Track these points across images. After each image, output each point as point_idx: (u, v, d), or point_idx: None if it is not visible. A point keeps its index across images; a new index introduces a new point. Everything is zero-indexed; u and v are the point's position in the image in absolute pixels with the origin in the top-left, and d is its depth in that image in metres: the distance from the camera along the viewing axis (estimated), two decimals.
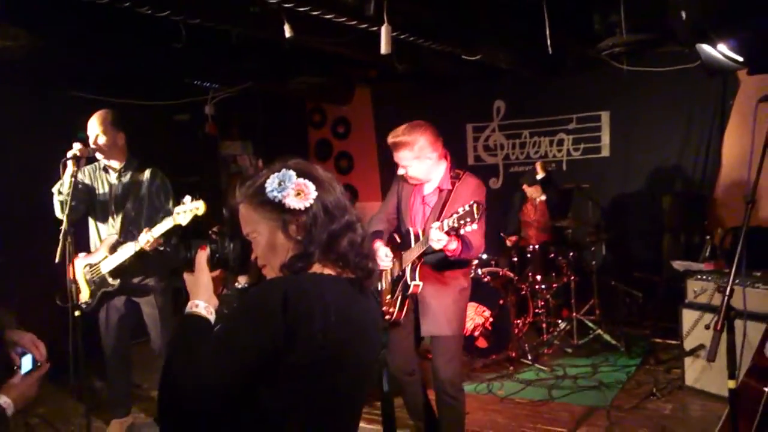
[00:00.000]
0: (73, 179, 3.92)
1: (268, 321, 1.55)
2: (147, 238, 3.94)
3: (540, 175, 6.47)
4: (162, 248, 4.13)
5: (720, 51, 3.95)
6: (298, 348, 1.56)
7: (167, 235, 4.03)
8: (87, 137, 4.22)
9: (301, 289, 1.62)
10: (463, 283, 3.64)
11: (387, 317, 3.64)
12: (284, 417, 1.60)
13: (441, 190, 3.59)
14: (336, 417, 1.71)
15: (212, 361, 1.57)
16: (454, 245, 3.23)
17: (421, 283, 3.49)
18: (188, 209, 3.87)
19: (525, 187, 6.57)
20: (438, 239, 3.18)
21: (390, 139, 3.53)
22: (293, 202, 1.69)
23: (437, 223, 3.19)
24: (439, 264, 3.54)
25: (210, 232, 1.93)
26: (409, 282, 3.49)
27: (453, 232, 3.15)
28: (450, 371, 3.63)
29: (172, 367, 1.63)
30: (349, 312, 1.68)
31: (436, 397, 3.75)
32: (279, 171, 1.73)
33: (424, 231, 3.50)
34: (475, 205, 3.05)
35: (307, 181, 1.71)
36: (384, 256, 3.54)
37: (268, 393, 1.58)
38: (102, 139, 4.19)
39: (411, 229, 3.56)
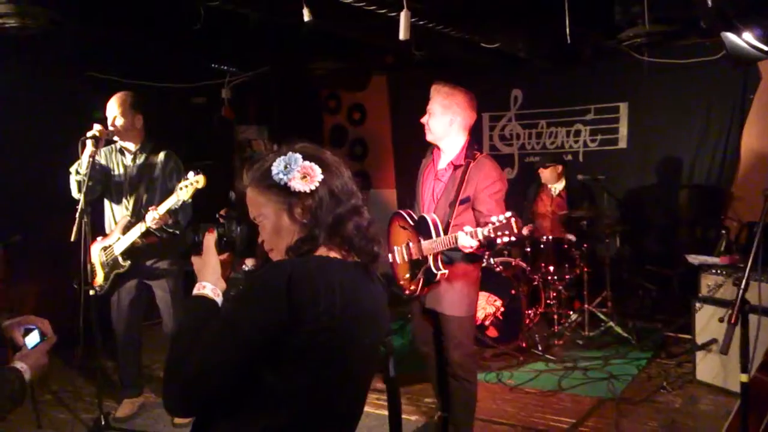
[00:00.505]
0: (91, 159, 3.96)
1: (273, 302, 1.56)
2: (153, 215, 3.98)
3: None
4: (173, 230, 4.16)
5: (745, 40, 3.91)
6: (303, 329, 1.56)
7: (175, 214, 4.07)
8: (105, 118, 4.25)
9: (307, 271, 1.62)
10: (477, 269, 3.69)
11: (407, 293, 3.69)
12: (288, 398, 1.61)
13: (455, 167, 3.59)
14: (340, 399, 1.72)
15: (216, 341, 1.58)
16: (475, 243, 3.25)
17: (447, 271, 3.53)
18: (189, 183, 3.91)
19: (541, 170, 6.48)
20: (470, 246, 3.22)
21: (433, 85, 3.70)
22: (299, 185, 1.70)
23: (469, 229, 3.19)
24: (456, 255, 3.56)
25: (217, 215, 1.92)
26: (434, 271, 3.51)
27: (486, 241, 3.16)
28: (458, 354, 3.65)
29: (178, 347, 1.65)
30: (354, 295, 1.69)
31: (447, 378, 3.77)
32: (285, 154, 1.73)
33: (439, 216, 3.51)
34: (513, 219, 3.06)
35: (313, 164, 1.72)
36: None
37: (272, 374, 1.59)
38: (120, 121, 4.21)
39: (428, 218, 3.55)
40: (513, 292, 5.63)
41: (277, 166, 1.71)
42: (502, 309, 5.66)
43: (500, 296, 5.68)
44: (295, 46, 6.70)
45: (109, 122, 4.21)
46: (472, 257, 3.56)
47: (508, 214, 3.08)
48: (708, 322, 4.67)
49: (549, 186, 6.50)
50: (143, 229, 4.06)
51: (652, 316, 6.36)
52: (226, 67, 7.20)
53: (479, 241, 3.16)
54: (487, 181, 3.47)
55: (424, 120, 3.64)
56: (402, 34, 4.47)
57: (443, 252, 3.51)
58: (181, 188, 3.92)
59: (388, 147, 8.86)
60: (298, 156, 1.72)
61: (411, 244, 3.64)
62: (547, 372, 5.23)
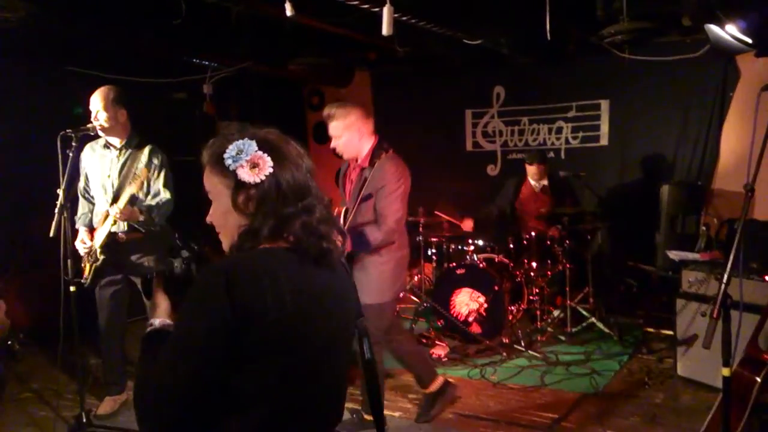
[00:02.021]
0: (71, 154, 3.92)
1: (214, 305, 1.52)
2: (114, 209, 4.06)
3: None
4: (147, 227, 4.17)
5: (728, 32, 3.94)
6: (254, 326, 1.52)
7: (148, 212, 4.13)
8: (87, 113, 4.21)
9: (245, 266, 1.60)
10: (381, 257, 3.79)
11: None
12: (257, 397, 1.57)
13: (362, 168, 3.80)
14: (311, 390, 1.67)
15: (170, 359, 1.55)
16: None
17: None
18: (132, 178, 4.08)
19: (527, 165, 6.48)
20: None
21: (325, 111, 3.80)
22: (244, 174, 1.65)
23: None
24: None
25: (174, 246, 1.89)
26: None
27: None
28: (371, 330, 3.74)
29: (139, 380, 1.66)
30: (305, 284, 1.65)
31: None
32: (245, 138, 1.69)
33: (346, 209, 3.73)
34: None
35: (264, 155, 1.67)
36: None
37: (236, 376, 1.54)
38: (103, 116, 4.16)
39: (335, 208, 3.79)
40: (496, 288, 5.64)
41: (230, 151, 1.67)
42: (485, 305, 5.68)
43: (483, 292, 5.70)
44: (278, 41, 6.66)
45: (93, 117, 4.17)
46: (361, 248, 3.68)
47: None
48: (689, 318, 4.71)
49: (532, 182, 6.50)
50: (112, 222, 4.11)
51: (633, 311, 6.39)
52: (207, 62, 7.15)
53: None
54: (383, 182, 3.69)
55: (332, 145, 3.81)
56: (385, 30, 4.45)
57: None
58: (130, 183, 4.06)
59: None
60: (253, 144, 1.67)
61: None
62: (530, 368, 5.25)
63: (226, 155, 1.67)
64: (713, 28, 4.10)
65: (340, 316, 1.78)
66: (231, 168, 1.66)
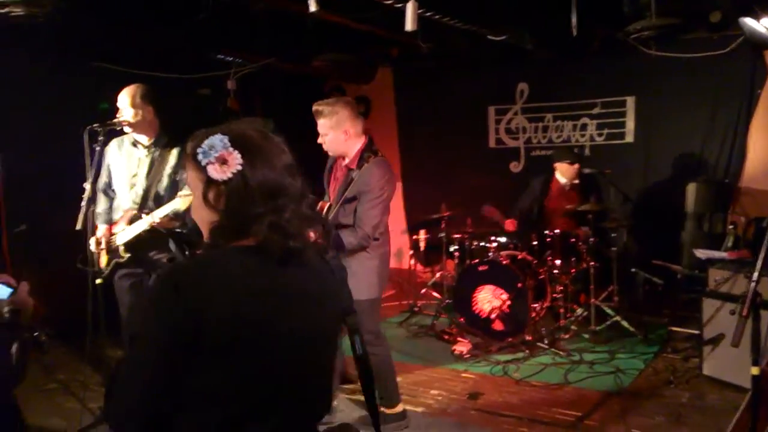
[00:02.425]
0: (98, 148, 3.96)
1: (166, 310, 1.53)
2: (149, 220, 4.06)
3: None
4: (179, 230, 4.17)
5: (764, 25, 3.90)
6: (208, 329, 1.51)
7: (182, 217, 4.11)
8: (114, 108, 4.24)
9: (198, 269, 1.60)
10: (371, 252, 3.80)
11: None
12: (214, 398, 1.56)
13: (349, 169, 3.78)
14: (273, 390, 1.64)
15: (127, 368, 1.57)
16: None
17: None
18: (187, 194, 3.93)
19: (559, 164, 6.35)
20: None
21: (314, 107, 3.77)
22: (211, 171, 1.63)
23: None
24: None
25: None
26: None
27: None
28: (367, 327, 3.72)
29: (107, 384, 1.66)
30: (267, 284, 1.64)
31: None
32: (223, 133, 1.66)
33: (329, 207, 3.71)
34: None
35: (235, 152, 1.63)
36: None
37: (197, 378, 1.53)
38: (129, 112, 4.19)
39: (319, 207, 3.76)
40: (519, 285, 5.61)
41: (204, 146, 1.65)
42: (508, 302, 5.65)
43: (506, 289, 5.67)
44: (301, 37, 6.68)
45: (119, 114, 4.20)
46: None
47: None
48: (715, 317, 4.65)
49: (562, 180, 6.41)
50: (143, 228, 4.11)
51: (658, 310, 6.32)
52: (231, 58, 7.18)
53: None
54: (368, 187, 3.70)
55: (319, 141, 3.79)
56: (408, 25, 4.45)
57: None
58: (180, 196, 3.97)
59: (394, 140, 8.83)
60: (225, 139, 1.64)
61: None
62: (553, 365, 5.21)
63: (198, 149, 1.65)
64: (748, 21, 4.06)
65: (315, 315, 1.73)
66: (202, 163, 1.64)
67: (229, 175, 1.62)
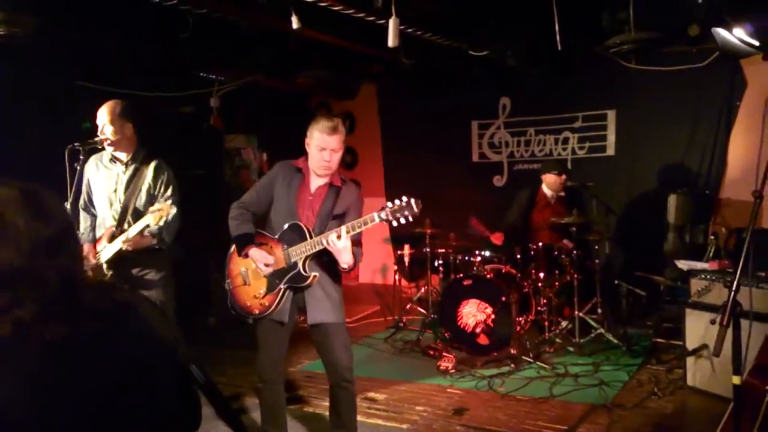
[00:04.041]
0: (78, 167, 3.94)
1: None
2: (122, 238, 4.03)
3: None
4: (158, 247, 4.16)
5: (736, 35, 3.96)
6: None
7: (158, 233, 4.10)
8: (94, 128, 4.22)
9: None
10: (339, 276, 3.73)
11: (257, 311, 3.66)
12: None
13: (331, 185, 3.68)
14: None
15: None
16: (349, 257, 3.40)
17: (317, 274, 3.57)
18: (158, 209, 3.93)
19: (547, 175, 6.37)
20: (334, 243, 3.34)
21: (330, 123, 3.57)
22: None
23: (342, 229, 3.34)
24: (322, 259, 3.61)
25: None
26: (305, 273, 3.54)
27: (388, 223, 3.30)
28: (348, 358, 3.69)
29: None
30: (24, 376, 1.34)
31: (333, 387, 3.75)
32: None
33: (313, 227, 3.58)
34: (413, 200, 3.24)
35: None
36: (264, 261, 3.60)
37: None
38: (109, 130, 4.17)
39: (300, 224, 3.58)
40: (503, 299, 5.62)
41: None
42: (492, 316, 5.66)
43: (491, 303, 5.68)
44: (284, 54, 6.71)
45: (99, 131, 4.18)
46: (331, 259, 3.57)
47: (407, 198, 3.25)
48: (698, 328, 4.68)
49: (548, 193, 6.43)
50: (120, 246, 4.07)
51: (642, 322, 6.37)
52: (214, 76, 7.19)
53: (386, 220, 3.30)
54: (357, 203, 3.68)
55: (327, 158, 3.58)
56: (391, 41, 4.48)
57: (313, 255, 3.55)
58: (150, 212, 3.94)
59: (378, 155, 8.88)
60: None
61: (272, 255, 3.62)
62: (538, 379, 5.22)
63: None
64: (721, 32, 4.13)
65: (106, 391, 1.42)
66: None
67: None
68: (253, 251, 3.62)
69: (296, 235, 3.58)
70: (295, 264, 3.56)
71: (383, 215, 3.30)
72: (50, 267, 1.38)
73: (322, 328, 3.64)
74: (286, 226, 3.61)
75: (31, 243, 1.36)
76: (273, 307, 3.61)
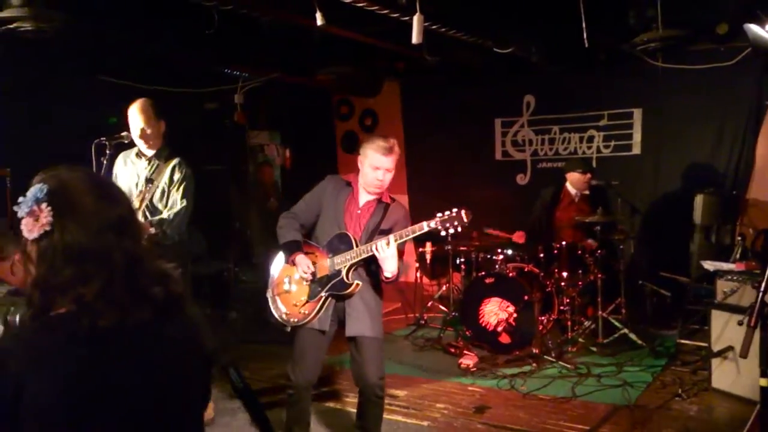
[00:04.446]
0: (106, 163, 3.98)
1: None
2: None
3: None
4: (162, 241, 4.16)
5: None
6: (28, 415, 1.33)
7: (159, 225, 4.13)
8: (124, 122, 4.26)
9: (11, 353, 1.37)
10: (381, 291, 3.75)
11: (295, 319, 3.66)
12: None
13: (380, 202, 3.70)
14: None
15: None
16: (394, 266, 3.42)
17: (361, 282, 3.56)
18: (140, 190, 4.12)
19: (571, 174, 6.29)
20: (384, 251, 3.35)
21: (386, 144, 3.60)
22: (23, 227, 1.41)
23: (391, 236, 3.37)
24: (368, 270, 3.63)
25: None
26: (348, 281, 3.54)
27: (437, 232, 3.35)
28: (380, 373, 3.67)
29: None
30: (87, 362, 1.39)
31: (362, 398, 3.75)
32: (47, 180, 1.44)
33: (360, 238, 3.58)
34: (463, 211, 3.26)
35: (47, 207, 1.39)
36: (306, 268, 3.59)
37: None
38: (149, 130, 4.21)
39: (348, 234, 3.60)
40: (526, 298, 5.59)
41: (27, 193, 1.44)
42: (514, 315, 5.63)
43: (513, 302, 5.65)
44: (307, 51, 6.72)
45: (137, 133, 4.20)
46: (375, 271, 3.59)
47: (456, 209, 3.28)
48: (724, 329, 4.62)
49: (572, 191, 6.36)
50: None
51: (666, 323, 6.29)
52: (238, 73, 7.22)
53: (434, 229, 3.34)
54: (405, 220, 3.68)
55: (381, 178, 3.60)
56: (415, 38, 4.46)
57: (357, 266, 3.56)
58: (136, 197, 4.12)
59: (401, 152, 8.85)
60: (43, 190, 1.41)
61: (317, 264, 3.63)
62: (560, 378, 5.18)
63: (21, 198, 1.43)
64: (753, 28, 4.06)
65: (157, 379, 1.49)
66: (18, 215, 1.43)
67: (35, 234, 1.39)
68: (300, 258, 3.62)
69: (343, 244, 3.59)
70: (339, 272, 3.56)
71: (433, 224, 3.32)
72: (116, 248, 1.43)
73: (358, 341, 3.63)
74: (333, 235, 3.64)
75: (99, 222, 1.42)
76: (312, 315, 3.59)
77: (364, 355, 3.62)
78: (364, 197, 3.72)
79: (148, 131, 4.20)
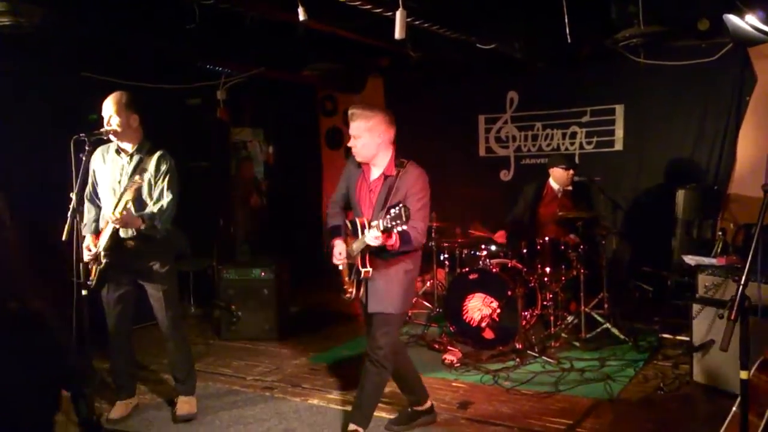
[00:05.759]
0: (84, 158, 3.93)
1: None
2: (111, 217, 4.05)
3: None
4: (149, 234, 4.17)
5: (748, 22, 3.93)
6: None
7: (149, 219, 4.12)
8: (101, 118, 4.22)
9: None
10: (408, 265, 3.84)
11: (346, 296, 3.96)
12: None
13: (386, 177, 3.80)
14: None
15: None
16: (391, 240, 3.55)
17: (371, 269, 3.75)
18: (132, 181, 4.07)
19: (554, 169, 6.30)
20: (375, 237, 3.50)
21: (350, 109, 3.79)
22: None
23: (375, 222, 3.51)
24: (382, 253, 3.73)
25: None
26: (360, 269, 3.76)
27: (386, 231, 3.45)
28: (383, 340, 3.81)
29: None
30: None
31: (365, 359, 3.92)
32: None
33: (369, 221, 3.69)
34: (403, 208, 3.33)
35: None
36: (338, 254, 3.89)
37: None
38: (115, 121, 4.17)
39: (357, 220, 3.79)
40: (509, 293, 5.60)
41: None
42: (498, 310, 5.64)
43: (496, 298, 5.66)
44: (291, 47, 6.69)
45: (105, 122, 4.18)
46: (390, 253, 3.70)
47: (401, 205, 3.37)
48: (705, 323, 4.65)
49: (555, 187, 6.38)
50: (112, 228, 4.14)
51: (648, 317, 6.32)
52: (221, 68, 7.18)
53: (382, 231, 3.45)
54: (415, 188, 3.74)
55: (350, 144, 3.80)
56: (397, 33, 4.46)
57: (369, 251, 3.72)
58: (128, 186, 4.05)
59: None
60: None
61: (350, 248, 3.87)
62: (543, 373, 5.19)
63: None
64: (732, 19, 4.10)
65: None
66: None
67: None
68: (337, 242, 3.90)
69: (356, 229, 3.80)
70: (356, 258, 3.78)
71: (382, 225, 3.45)
72: None
73: (373, 318, 3.84)
74: (353, 221, 3.84)
75: None
76: (354, 293, 3.89)
77: (374, 324, 3.84)
78: (373, 173, 3.86)
79: (117, 121, 4.14)
